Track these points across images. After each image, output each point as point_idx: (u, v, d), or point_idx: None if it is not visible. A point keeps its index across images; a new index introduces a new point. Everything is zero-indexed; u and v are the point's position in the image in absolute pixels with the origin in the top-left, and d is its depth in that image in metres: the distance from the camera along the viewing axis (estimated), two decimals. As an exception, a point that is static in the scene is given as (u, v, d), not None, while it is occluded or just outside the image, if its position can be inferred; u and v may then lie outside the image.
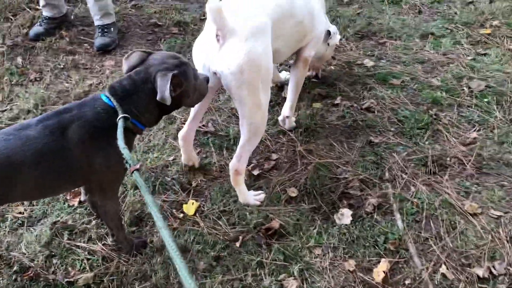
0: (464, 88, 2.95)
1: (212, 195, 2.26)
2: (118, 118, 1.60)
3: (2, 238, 2.05)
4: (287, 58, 2.52)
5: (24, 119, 2.69)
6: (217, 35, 1.84)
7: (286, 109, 2.55)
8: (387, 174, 2.37)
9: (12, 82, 3.03)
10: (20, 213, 2.17)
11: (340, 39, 3.05)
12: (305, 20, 2.19)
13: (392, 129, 2.66)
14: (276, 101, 2.84)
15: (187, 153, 2.33)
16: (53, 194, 2.03)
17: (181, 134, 2.28)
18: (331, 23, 2.76)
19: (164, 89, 1.61)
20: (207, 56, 1.92)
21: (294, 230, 2.09)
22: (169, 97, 1.61)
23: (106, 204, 1.84)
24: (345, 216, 2.15)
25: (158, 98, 1.63)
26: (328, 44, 2.71)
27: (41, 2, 3.44)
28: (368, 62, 3.23)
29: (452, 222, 2.11)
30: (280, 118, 2.60)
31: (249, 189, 2.26)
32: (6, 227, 2.10)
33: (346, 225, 2.11)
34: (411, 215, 2.15)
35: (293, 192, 2.28)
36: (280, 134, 2.63)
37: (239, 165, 2.08)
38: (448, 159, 2.45)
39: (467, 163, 2.40)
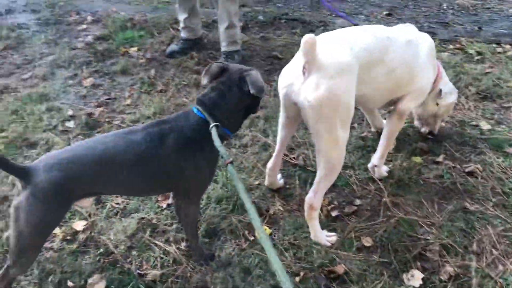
0: None
1: (286, 226, 2.30)
2: (210, 127, 1.78)
3: (98, 222, 2.34)
4: (383, 106, 2.49)
5: (143, 123, 3.04)
6: (304, 68, 1.93)
7: (376, 158, 2.51)
8: (474, 245, 2.18)
9: (142, 90, 3.45)
10: (117, 203, 2.45)
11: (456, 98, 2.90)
12: (399, 70, 2.17)
13: (494, 199, 2.45)
14: (373, 147, 2.80)
15: (271, 179, 2.45)
16: (146, 194, 2.27)
17: (269, 164, 2.41)
18: (452, 79, 2.66)
19: (258, 82, 1.80)
20: (291, 85, 2.01)
21: (358, 279, 2.03)
22: (264, 86, 1.80)
23: (189, 207, 2.00)
24: (415, 278, 2.03)
25: (253, 91, 1.78)
26: (437, 104, 2.61)
27: (181, 25, 3.88)
28: (485, 125, 3.02)
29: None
30: (369, 165, 2.57)
31: (323, 229, 2.26)
32: (103, 213, 2.38)
33: (414, 287, 1.99)
34: (491, 295, 1.96)
35: (367, 241, 2.22)
36: (369, 181, 2.58)
37: (315, 200, 2.10)
38: (555, 245, 2.18)
39: None
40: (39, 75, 3.64)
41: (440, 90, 2.55)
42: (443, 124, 3.04)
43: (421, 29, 4.60)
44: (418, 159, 2.74)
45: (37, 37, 4.22)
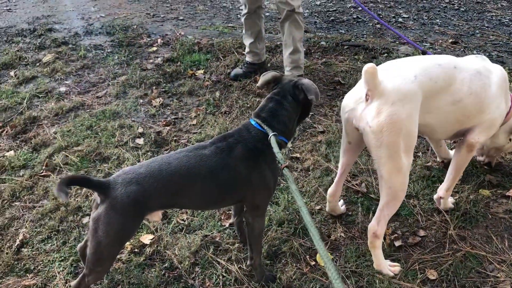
0: None
1: (347, 253, 2.29)
2: (269, 136, 1.91)
3: (164, 236, 2.43)
4: (451, 137, 2.44)
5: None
6: (366, 94, 1.96)
7: (442, 190, 2.46)
8: (549, 287, 2.08)
9: (207, 111, 3.58)
10: (182, 220, 2.54)
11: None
12: (466, 101, 2.13)
13: None
14: (439, 177, 2.74)
15: (332, 205, 2.46)
16: (215, 206, 2.35)
17: (330, 190, 2.42)
18: None
19: (313, 88, 1.95)
20: (353, 110, 2.04)
21: (422, 313, 1.99)
22: (317, 98, 1.94)
23: (255, 221, 2.05)
24: (484, 317, 1.95)
25: (311, 97, 1.94)
26: (510, 140, 2.53)
27: (246, 49, 4.01)
28: None
29: None
30: (435, 196, 2.51)
31: (386, 258, 2.23)
32: (169, 228, 2.48)
33: (483, 327, 1.92)
34: None
35: (432, 274, 2.17)
36: (434, 212, 2.53)
37: (378, 229, 2.09)
38: None
39: None
40: (112, 94, 3.86)
41: None
42: (513, 157, 2.93)
43: (489, 58, 4.52)
44: (486, 192, 2.65)
45: (111, 58, 4.49)
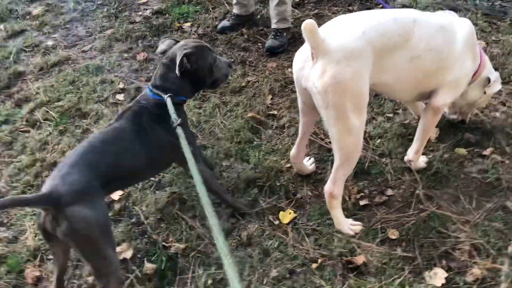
0: None
1: (311, 211, 2.30)
2: (165, 98, 2.01)
3: (133, 193, 2.47)
4: (414, 98, 2.34)
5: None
6: (312, 53, 1.87)
7: (410, 153, 2.40)
8: (510, 248, 2.05)
9: (190, 66, 3.51)
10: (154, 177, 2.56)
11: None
12: (425, 57, 2.00)
13: (541, 200, 2.27)
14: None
15: (297, 166, 2.44)
16: (153, 173, 2.35)
17: (292, 152, 2.39)
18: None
19: (177, 63, 2.02)
20: (302, 69, 1.96)
21: (376, 272, 2.00)
22: (180, 70, 2.01)
23: (201, 172, 1.98)
24: (438, 276, 1.95)
25: (177, 70, 2.02)
26: (485, 93, 2.43)
27: (233, 0, 3.87)
28: (546, 118, 2.76)
29: None
30: (405, 158, 2.45)
31: (349, 217, 2.23)
32: (139, 185, 2.50)
33: (435, 286, 1.92)
34: (519, 303, 1.84)
35: (393, 234, 2.16)
36: (405, 171, 2.48)
37: (335, 189, 2.07)
38: None
39: None
40: (98, 48, 3.82)
41: (488, 79, 2.35)
42: (497, 114, 2.83)
43: (492, 7, 4.28)
44: (462, 151, 2.57)
45: (100, 10, 4.41)
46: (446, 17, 2.13)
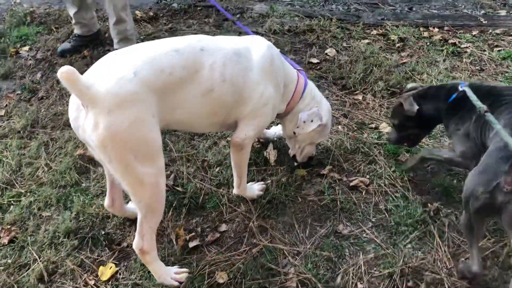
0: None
1: (134, 261, 2.06)
2: None
3: None
4: (218, 129, 2.19)
5: (11, 139, 2.75)
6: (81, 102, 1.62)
7: (235, 188, 2.27)
8: (338, 279, 1.96)
9: (21, 97, 3.14)
10: None
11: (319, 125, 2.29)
12: (220, 89, 1.83)
13: (373, 219, 2.22)
14: (255, 160, 2.54)
15: (120, 215, 2.21)
16: None
17: (106, 204, 2.13)
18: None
19: None
20: (77, 119, 1.68)
21: (197, 328, 1.81)
22: None
23: None
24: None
25: None
26: (294, 133, 2.28)
27: (73, 20, 3.52)
28: (384, 127, 2.76)
29: None
30: (233, 192, 2.31)
31: (177, 263, 2.03)
32: None
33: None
34: None
35: (221, 277, 1.99)
36: (241, 201, 2.33)
37: (144, 244, 1.84)
38: (427, 273, 1.96)
39: None
40: None
41: (298, 118, 2.22)
42: (339, 127, 2.78)
43: (347, 11, 4.32)
44: (301, 172, 2.48)
45: None
46: (244, 42, 1.97)
